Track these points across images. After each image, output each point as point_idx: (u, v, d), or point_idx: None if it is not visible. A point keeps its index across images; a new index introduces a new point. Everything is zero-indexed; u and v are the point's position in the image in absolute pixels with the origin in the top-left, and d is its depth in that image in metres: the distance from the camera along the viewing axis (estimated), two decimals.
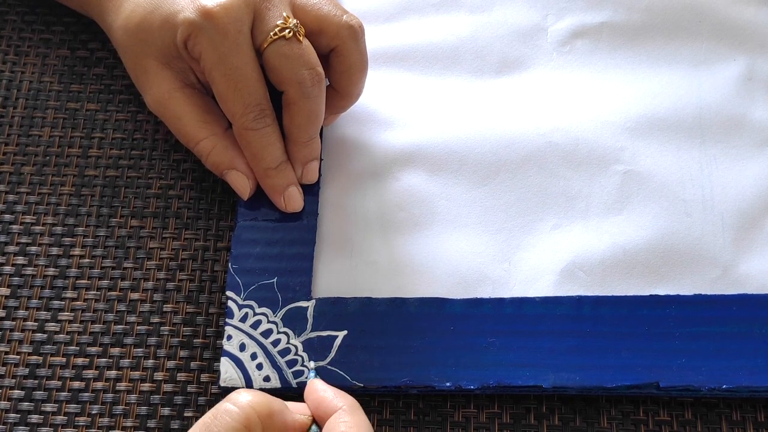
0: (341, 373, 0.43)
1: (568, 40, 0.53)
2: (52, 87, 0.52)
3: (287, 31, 0.44)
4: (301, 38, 0.44)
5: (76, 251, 0.47)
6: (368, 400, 0.44)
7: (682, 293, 0.45)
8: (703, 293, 0.45)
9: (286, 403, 0.38)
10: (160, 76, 0.46)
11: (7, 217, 0.48)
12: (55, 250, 0.47)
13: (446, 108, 0.51)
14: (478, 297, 0.45)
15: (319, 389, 0.40)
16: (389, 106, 0.51)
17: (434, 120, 0.50)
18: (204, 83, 0.47)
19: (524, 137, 0.50)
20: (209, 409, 0.43)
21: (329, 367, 0.43)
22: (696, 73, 0.52)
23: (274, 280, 0.45)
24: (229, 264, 0.46)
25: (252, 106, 0.44)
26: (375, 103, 0.50)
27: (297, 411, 0.39)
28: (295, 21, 0.44)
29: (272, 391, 0.43)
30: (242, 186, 0.46)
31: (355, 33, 0.46)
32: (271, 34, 0.44)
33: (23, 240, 0.48)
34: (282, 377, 0.43)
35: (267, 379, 0.43)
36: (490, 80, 0.52)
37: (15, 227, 0.48)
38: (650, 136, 0.50)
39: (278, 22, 0.44)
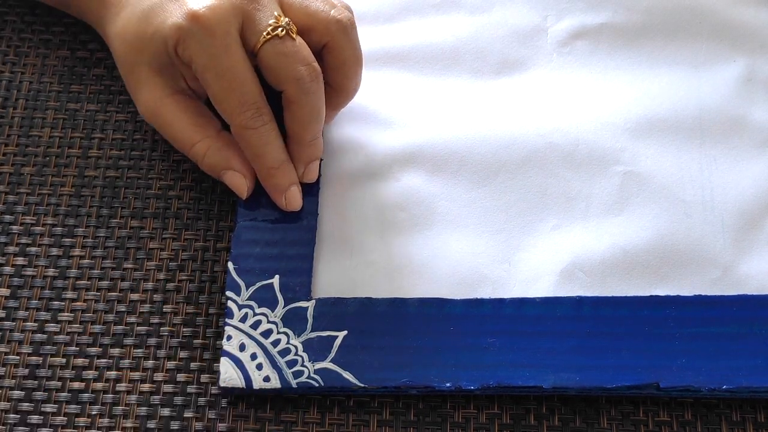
0: (341, 373, 0.43)
1: (568, 41, 0.53)
2: (52, 88, 0.52)
3: (280, 29, 0.44)
4: (294, 35, 0.44)
5: (76, 252, 0.47)
6: (368, 400, 0.44)
7: (682, 294, 0.45)
8: (703, 294, 0.45)
9: None
10: (151, 83, 0.46)
11: (7, 217, 0.48)
12: (55, 251, 0.47)
13: (446, 108, 0.51)
14: (478, 297, 0.45)
15: None
16: (389, 107, 0.51)
17: (434, 120, 0.50)
18: (195, 89, 0.47)
19: (524, 138, 0.50)
20: (209, 410, 0.44)
21: (329, 367, 0.43)
22: (696, 73, 0.52)
23: (274, 280, 0.45)
24: (229, 264, 0.46)
25: (248, 104, 0.44)
26: (375, 103, 0.50)
27: None
28: (286, 19, 0.44)
29: (272, 392, 0.43)
30: (240, 185, 0.46)
31: (344, 27, 0.46)
32: (264, 34, 0.44)
33: (23, 240, 0.48)
34: (282, 377, 0.43)
35: (267, 379, 0.43)
36: (490, 81, 0.52)
37: (15, 228, 0.48)
38: (650, 137, 0.50)
39: (270, 22, 0.44)
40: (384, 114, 0.50)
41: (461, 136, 0.50)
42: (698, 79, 0.52)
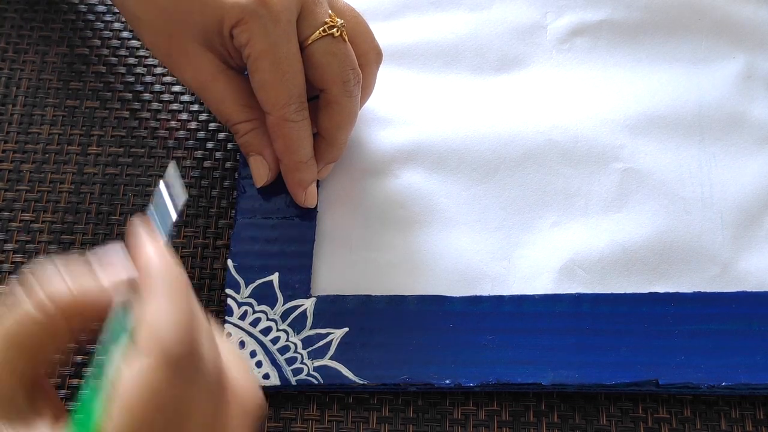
0: (341, 370, 0.43)
1: (567, 38, 0.53)
2: (51, 84, 0.52)
3: (335, 29, 0.44)
4: (346, 38, 0.44)
5: (75, 249, 0.47)
6: (367, 397, 0.44)
7: (681, 291, 0.45)
8: (702, 291, 0.45)
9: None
10: (202, 58, 0.45)
11: (6, 214, 0.48)
12: (54, 248, 0.47)
13: (446, 106, 0.51)
14: (478, 294, 0.45)
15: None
16: (389, 104, 0.51)
17: (434, 118, 0.50)
18: (238, 68, 0.46)
19: (524, 135, 0.50)
20: None
21: (329, 364, 0.43)
22: (695, 70, 0.52)
23: (274, 277, 0.45)
24: (229, 261, 0.46)
25: (294, 97, 0.44)
26: (374, 100, 0.50)
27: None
28: (341, 21, 0.44)
29: (272, 389, 0.43)
30: (262, 174, 0.46)
31: (379, 59, 0.47)
32: (320, 30, 0.44)
33: (22, 237, 0.48)
34: (281, 375, 0.43)
35: (266, 376, 0.43)
36: (490, 78, 0.52)
37: (14, 225, 0.48)
38: (650, 133, 0.50)
39: (326, 20, 0.44)
40: (383, 111, 0.50)
41: (460, 133, 0.50)
42: (698, 75, 0.52)
